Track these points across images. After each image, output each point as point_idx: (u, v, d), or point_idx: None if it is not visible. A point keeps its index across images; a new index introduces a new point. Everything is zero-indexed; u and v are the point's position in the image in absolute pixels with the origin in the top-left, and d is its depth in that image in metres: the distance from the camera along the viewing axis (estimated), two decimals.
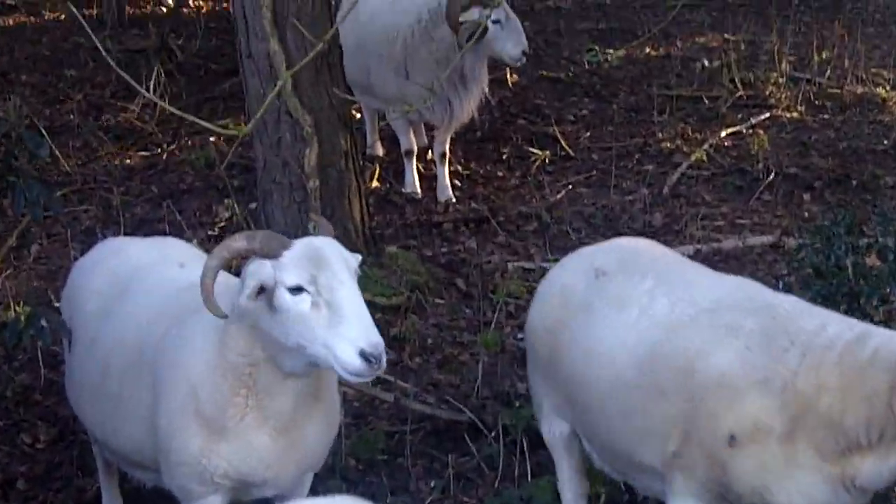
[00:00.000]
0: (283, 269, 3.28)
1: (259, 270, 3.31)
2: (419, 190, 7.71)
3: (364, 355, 3.18)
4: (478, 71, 7.43)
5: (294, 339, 3.29)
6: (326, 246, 3.37)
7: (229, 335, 3.44)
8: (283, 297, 3.28)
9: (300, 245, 3.36)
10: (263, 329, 3.36)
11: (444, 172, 7.67)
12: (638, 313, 3.84)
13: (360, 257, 3.51)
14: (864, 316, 4.53)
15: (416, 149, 7.74)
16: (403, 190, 7.73)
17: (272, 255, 3.31)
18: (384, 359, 3.22)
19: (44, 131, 7.53)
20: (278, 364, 3.41)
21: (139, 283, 4.05)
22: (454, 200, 7.61)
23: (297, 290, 3.26)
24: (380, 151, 8.33)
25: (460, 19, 6.91)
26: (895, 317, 4.87)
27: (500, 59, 7.56)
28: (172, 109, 5.59)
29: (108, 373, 3.87)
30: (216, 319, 3.43)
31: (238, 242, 3.37)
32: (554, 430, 4.22)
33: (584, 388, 3.91)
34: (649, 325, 3.79)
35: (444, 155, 7.69)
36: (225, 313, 3.38)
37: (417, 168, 7.81)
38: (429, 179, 7.94)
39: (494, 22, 6.96)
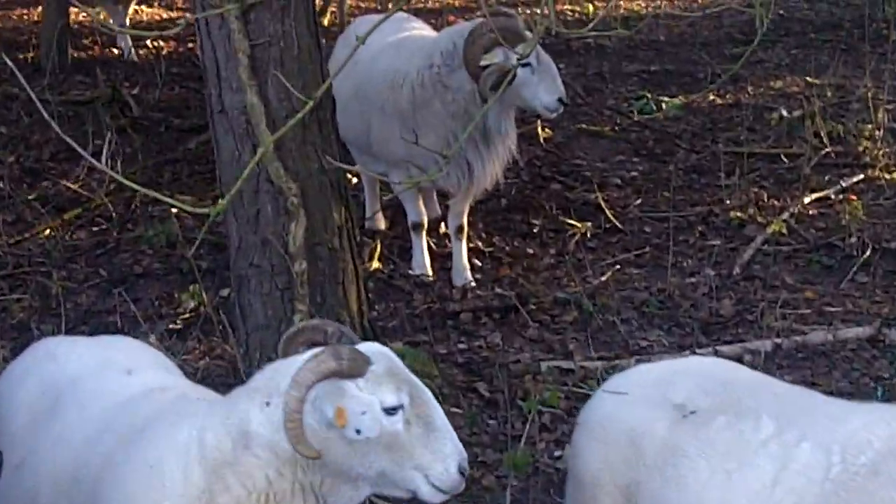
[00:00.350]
0: (378, 389, 3.47)
1: (351, 395, 3.47)
2: (430, 272, 7.77)
3: (461, 469, 3.48)
4: (503, 125, 7.49)
5: (380, 465, 3.49)
6: (392, 354, 3.63)
7: (241, 467, 3.53)
8: (378, 419, 3.45)
9: (378, 356, 3.57)
10: (330, 459, 3.50)
11: (462, 250, 7.72)
12: (776, 470, 3.59)
13: None
14: None
15: (426, 221, 7.79)
16: (411, 272, 7.78)
17: (359, 373, 3.49)
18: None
19: None
20: (322, 495, 3.54)
21: (77, 393, 4.11)
22: (474, 284, 7.67)
23: (393, 410, 3.45)
24: (382, 225, 8.42)
25: (481, 63, 6.99)
26: None
27: (532, 110, 7.67)
28: (126, 181, 5.68)
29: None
30: (195, 441, 3.55)
31: (327, 363, 3.48)
32: None
33: None
34: (805, 484, 3.54)
35: (461, 229, 7.73)
36: (318, 454, 3.47)
37: (429, 245, 7.88)
38: (442, 259, 8.02)
39: (524, 65, 6.99)
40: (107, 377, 4.17)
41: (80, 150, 5.53)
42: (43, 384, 4.23)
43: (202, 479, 3.54)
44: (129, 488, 3.64)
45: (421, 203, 7.79)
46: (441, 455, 3.44)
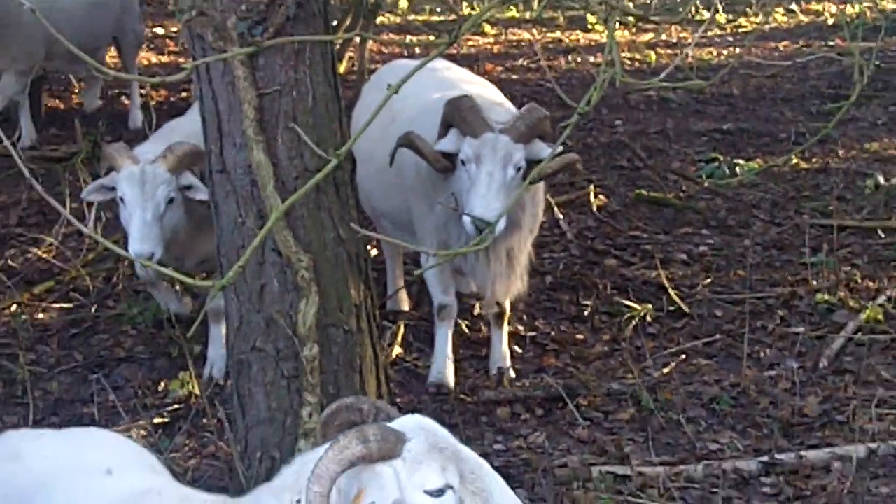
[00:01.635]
0: (418, 471, 3.47)
1: (382, 483, 3.46)
2: (451, 381, 7.61)
3: None
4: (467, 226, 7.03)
5: None
6: (437, 426, 3.60)
7: None
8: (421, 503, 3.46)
9: (416, 430, 3.55)
10: None
11: (502, 336, 7.72)
12: None
13: None
14: None
15: (454, 305, 7.70)
16: (429, 379, 7.64)
17: (393, 454, 3.48)
18: None
19: None
20: None
21: (45, 499, 4.11)
22: (513, 375, 7.68)
23: (440, 492, 3.45)
24: (405, 306, 8.48)
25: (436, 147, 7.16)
26: None
27: None
28: (118, 250, 5.75)
29: None
30: None
31: (351, 449, 3.44)
32: None
33: None
34: None
35: (501, 314, 7.72)
36: None
37: (459, 328, 7.90)
38: (476, 345, 8.06)
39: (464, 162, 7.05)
40: (82, 480, 4.15)
41: (59, 207, 5.60)
42: (5, 490, 4.21)
43: None
44: None
45: (450, 279, 7.69)
46: None
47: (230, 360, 6.49)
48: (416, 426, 3.58)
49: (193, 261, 7.50)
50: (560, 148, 6.34)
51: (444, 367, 7.59)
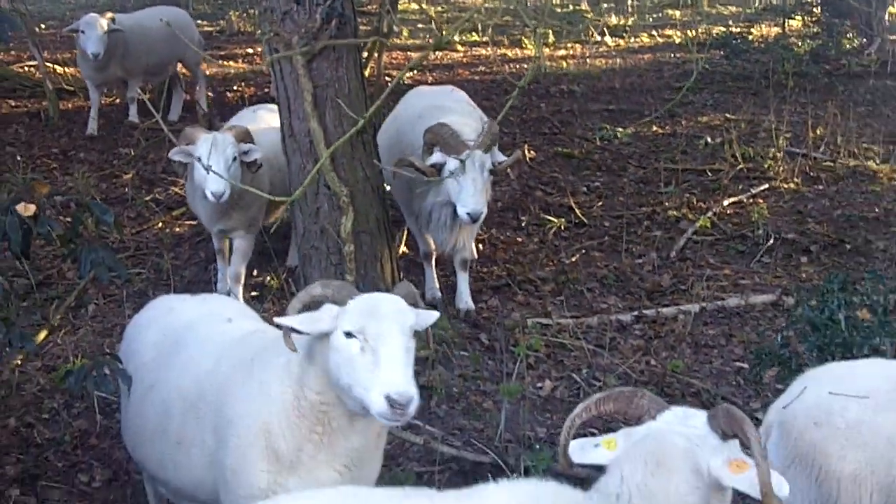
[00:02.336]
0: (344, 316, 3.46)
1: (327, 313, 3.48)
2: (439, 293, 7.17)
3: (390, 400, 3.30)
4: (441, 215, 6.78)
5: (344, 378, 3.43)
6: (386, 302, 3.52)
7: (309, 376, 3.56)
8: (339, 338, 3.44)
9: (364, 298, 3.53)
10: (326, 366, 3.51)
11: (465, 279, 7.09)
12: None
13: (435, 315, 3.69)
14: None
15: (434, 252, 7.24)
16: (426, 297, 7.06)
17: (341, 302, 3.49)
18: (411, 407, 3.33)
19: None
20: (346, 404, 3.53)
21: (193, 335, 4.16)
22: (472, 306, 7.02)
23: (349, 335, 3.42)
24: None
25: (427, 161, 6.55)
26: None
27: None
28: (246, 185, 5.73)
29: (168, 415, 3.97)
30: (292, 364, 3.59)
31: (316, 289, 3.54)
32: None
33: None
34: None
35: (464, 262, 7.05)
36: (296, 349, 3.52)
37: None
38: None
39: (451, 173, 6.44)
40: (214, 324, 4.20)
41: (196, 160, 5.59)
42: (165, 329, 4.28)
43: (291, 392, 3.59)
44: (245, 401, 3.69)
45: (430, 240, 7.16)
46: (377, 382, 3.32)
47: (298, 254, 6.51)
48: (371, 297, 3.54)
49: (228, 225, 6.97)
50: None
51: (433, 286, 7.18)
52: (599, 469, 3.03)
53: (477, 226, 6.92)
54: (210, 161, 6.15)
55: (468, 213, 6.38)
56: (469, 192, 6.38)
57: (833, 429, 3.38)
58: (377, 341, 3.39)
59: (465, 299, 7.01)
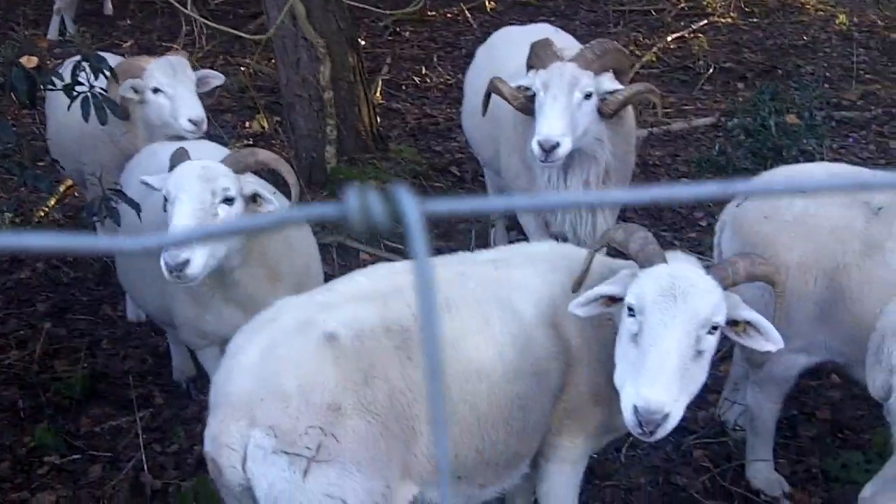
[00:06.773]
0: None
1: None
2: None
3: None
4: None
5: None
6: (190, 168, 3.30)
7: None
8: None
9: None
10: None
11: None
12: None
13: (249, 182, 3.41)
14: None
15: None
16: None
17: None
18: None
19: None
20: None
21: (161, 155, 3.92)
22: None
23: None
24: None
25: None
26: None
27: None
28: (214, 25, 5.51)
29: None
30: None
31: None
32: (794, 364, 3.49)
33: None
34: None
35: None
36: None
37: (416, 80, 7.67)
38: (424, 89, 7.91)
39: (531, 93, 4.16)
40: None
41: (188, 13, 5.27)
42: (150, 161, 4.05)
43: None
44: None
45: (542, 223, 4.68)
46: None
47: (283, 102, 6.39)
48: (184, 168, 3.29)
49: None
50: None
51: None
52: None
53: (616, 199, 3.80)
54: (177, 87, 4.55)
55: (538, 142, 3.95)
56: (545, 113, 4.00)
57: (781, 222, 3.32)
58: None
59: None
